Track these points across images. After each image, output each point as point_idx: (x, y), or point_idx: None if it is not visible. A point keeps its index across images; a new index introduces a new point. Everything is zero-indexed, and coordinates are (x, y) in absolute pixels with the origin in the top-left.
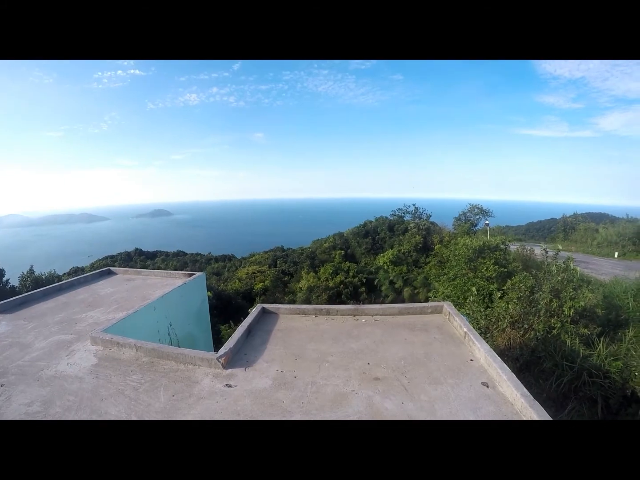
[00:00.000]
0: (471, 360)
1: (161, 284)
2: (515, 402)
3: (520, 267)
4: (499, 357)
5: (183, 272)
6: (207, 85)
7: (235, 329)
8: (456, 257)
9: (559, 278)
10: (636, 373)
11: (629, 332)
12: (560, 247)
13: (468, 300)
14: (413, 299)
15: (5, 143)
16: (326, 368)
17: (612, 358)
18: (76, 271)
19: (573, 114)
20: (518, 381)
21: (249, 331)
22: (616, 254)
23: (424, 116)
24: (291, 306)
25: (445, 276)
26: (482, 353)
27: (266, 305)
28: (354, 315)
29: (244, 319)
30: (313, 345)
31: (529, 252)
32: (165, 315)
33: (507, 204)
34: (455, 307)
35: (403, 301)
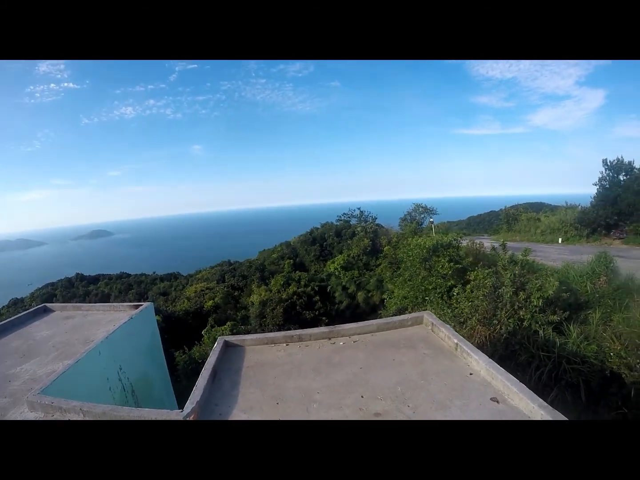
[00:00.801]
0: (470, 374)
1: (104, 319)
2: (533, 414)
3: (473, 261)
4: (502, 367)
5: (128, 304)
6: (144, 98)
7: (200, 373)
8: (410, 258)
9: (521, 271)
10: (611, 354)
11: (595, 314)
12: (502, 240)
13: (428, 299)
14: (367, 302)
15: None
16: (316, 410)
17: (586, 343)
18: (16, 303)
19: (506, 112)
20: (531, 392)
21: (214, 374)
22: (560, 240)
23: (365, 121)
24: (257, 336)
25: (400, 277)
26: (481, 365)
27: (229, 338)
28: (330, 339)
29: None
30: (293, 383)
31: (478, 245)
32: (113, 359)
33: (449, 200)
34: (415, 307)
35: (358, 305)
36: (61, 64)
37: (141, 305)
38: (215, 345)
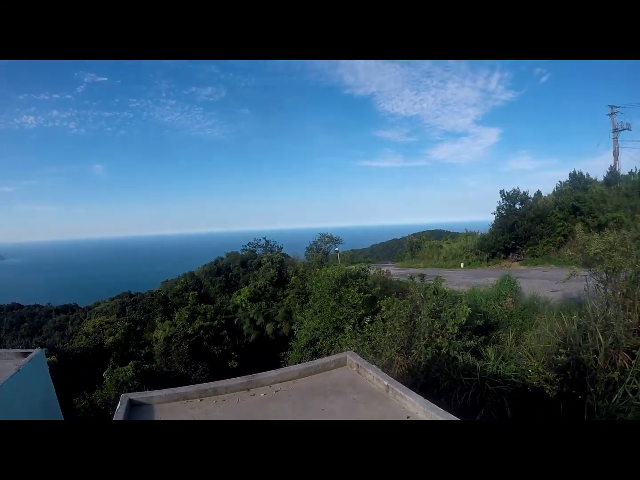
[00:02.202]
0: (408, 417)
1: None
2: None
3: (381, 289)
4: (439, 407)
5: (14, 351)
6: (47, 107)
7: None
8: (319, 289)
9: (434, 302)
10: (529, 371)
11: (509, 334)
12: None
13: (345, 331)
14: (277, 333)
15: None
16: None
17: (504, 363)
18: None
19: (408, 147)
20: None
21: None
22: (462, 265)
23: (273, 150)
24: (166, 392)
25: (310, 309)
26: (417, 407)
27: (134, 396)
28: (248, 389)
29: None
30: None
31: (385, 274)
32: None
33: (352, 229)
34: (326, 338)
35: (267, 337)
36: None
37: (30, 352)
38: (118, 406)
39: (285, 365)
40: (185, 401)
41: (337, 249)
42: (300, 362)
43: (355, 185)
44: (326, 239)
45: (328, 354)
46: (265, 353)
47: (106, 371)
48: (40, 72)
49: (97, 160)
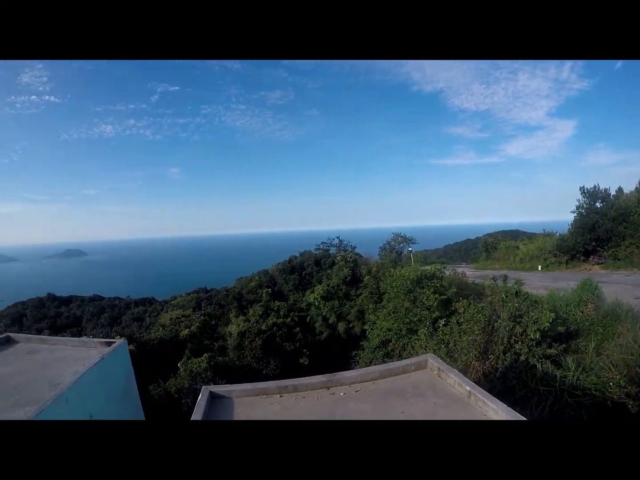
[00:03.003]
0: None
1: (73, 357)
2: None
3: (457, 291)
4: (523, 417)
5: (99, 340)
6: (124, 117)
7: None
8: (394, 289)
9: (516, 304)
10: (610, 384)
11: (590, 344)
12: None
13: (419, 333)
14: (348, 332)
15: None
16: None
17: (585, 374)
18: None
19: (480, 143)
20: None
21: None
22: (539, 267)
23: (343, 150)
24: (246, 386)
25: (384, 309)
26: (500, 414)
27: (214, 389)
28: (328, 388)
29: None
30: None
31: (461, 275)
32: (82, 407)
33: (425, 229)
34: (399, 339)
35: (339, 336)
36: (44, 76)
37: (114, 342)
38: (199, 398)
39: (356, 365)
40: (265, 396)
41: (410, 249)
42: (371, 363)
43: (427, 184)
44: (399, 238)
45: (400, 356)
46: (336, 352)
47: (181, 361)
48: (116, 84)
49: (172, 163)
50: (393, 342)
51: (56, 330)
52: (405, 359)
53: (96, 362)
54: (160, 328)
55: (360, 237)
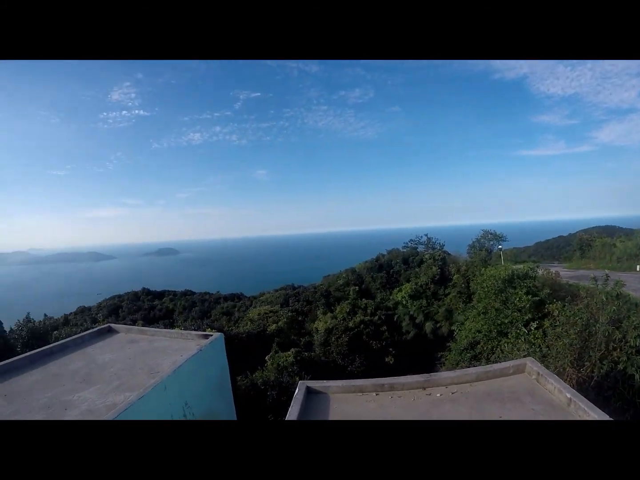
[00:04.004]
0: None
1: (171, 348)
2: None
3: (550, 293)
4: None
5: (197, 332)
6: (210, 125)
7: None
8: (484, 289)
9: (614, 307)
10: None
11: None
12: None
13: (510, 335)
14: (435, 333)
15: (12, 181)
16: None
17: None
18: (83, 311)
19: (569, 130)
20: None
21: None
22: (638, 267)
23: (426, 146)
24: (343, 383)
25: (474, 309)
26: None
27: (311, 384)
28: (424, 388)
29: (289, 401)
30: None
31: (554, 275)
32: (179, 394)
33: (512, 225)
34: (488, 341)
35: (425, 336)
36: (132, 93)
37: (211, 335)
38: (296, 391)
39: (442, 367)
40: (361, 394)
41: (500, 247)
42: (457, 365)
43: (514, 177)
44: (489, 236)
45: (488, 359)
46: (422, 352)
47: (269, 355)
48: (201, 95)
49: (259, 166)
50: (481, 344)
51: (149, 321)
52: (493, 362)
53: (194, 353)
54: (249, 322)
55: (449, 235)
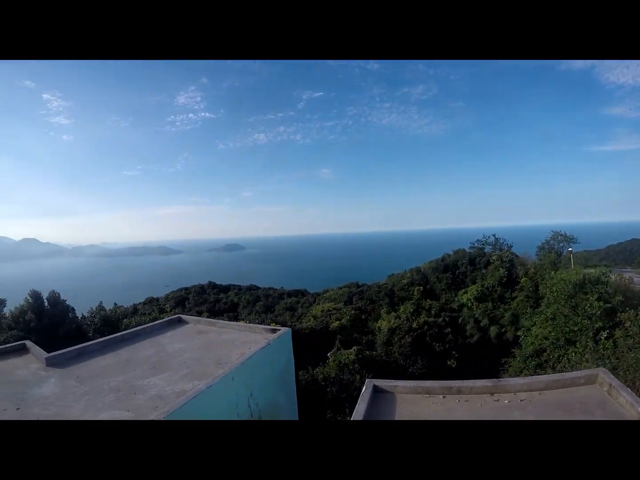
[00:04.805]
0: None
1: (239, 340)
2: None
3: (623, 300)
4: None
5: (265, 326)
6: (274, 125)
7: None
8: (554, 294)
9: None
10: None
11: None
12: None
13: (578, 345)
14: (500, 338)
15: (87, 181)
16: None
17: None
18: (151, 301)
19: None
20: None
21: None
22: None
23: (490, 142)
24: (410, 383)
25: (542, 315)
26: None
27: (378, 383)
28: (492, 394)
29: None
30: None
31: (627, 281)
32: (245, 385)
33: (583, 226)
34: (555, 350)
35: (489, 340)
36: (198, 96)
37: (279, 330)
38: (363, 389)
39: (505, 374)
40: (428, 395)
41: (570, 249)
42: (521, 373)
43: (584, 174)
44: (559, 237)
45: (554, 368)
46: (485, 357)
47: (331, 352)
48: (264, 96)
49: (323, 165)
50: (548, 352)
51: (214, 313)
52: (560, 372)
53: (263, 346)
54: (312, 318)
55: (516, 235)
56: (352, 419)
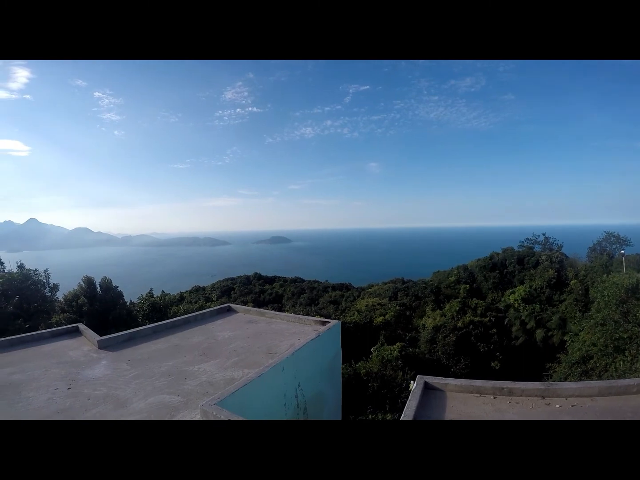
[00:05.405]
0: None
1: (288, 331)
2: None
3: None
4: None
5: (314, 318)
6: (321, 119)
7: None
8: (604, 298)
9: None
10: None
11: None
12: None
13: (627, 353)
14: (546, 341)
15: (137, 174)
16: None
17: None
18: (197, 290)
19: None
20: None
21: None
22: None
23: (541, 136)
24: (461, 382)
25: (591, 320)
26: None
27: (429, 379)
28: (544, 397)
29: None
30: None
31: None
32: (294, 376)
33: (637, 227)
34: (602, 357)
35: (535, 344)
36: (245, 92)
37: (329, 322)
38: (414, 385)
39: (548, 379)
40: (479, 395)
41: (622, 251)
42: (566, 380)
43: (637, 171)
44: (612, 239)
45: (600, 377)
46: (530, 360)
47: (375, 347)
48: (310, 91)
49: (370, 159)
50: (595, 359)
51: (259, 304)
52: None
53: (312, 337)
54: (356, 313)
55: (567, 234)
56: (403, 415)
